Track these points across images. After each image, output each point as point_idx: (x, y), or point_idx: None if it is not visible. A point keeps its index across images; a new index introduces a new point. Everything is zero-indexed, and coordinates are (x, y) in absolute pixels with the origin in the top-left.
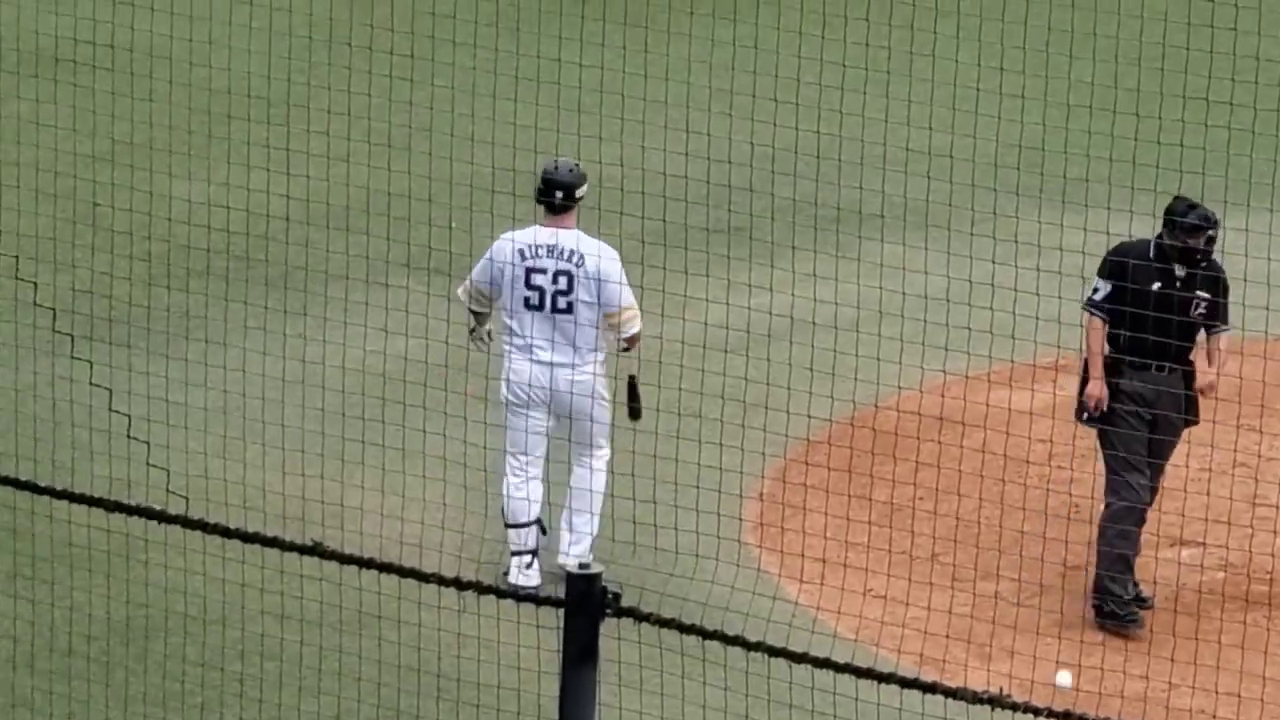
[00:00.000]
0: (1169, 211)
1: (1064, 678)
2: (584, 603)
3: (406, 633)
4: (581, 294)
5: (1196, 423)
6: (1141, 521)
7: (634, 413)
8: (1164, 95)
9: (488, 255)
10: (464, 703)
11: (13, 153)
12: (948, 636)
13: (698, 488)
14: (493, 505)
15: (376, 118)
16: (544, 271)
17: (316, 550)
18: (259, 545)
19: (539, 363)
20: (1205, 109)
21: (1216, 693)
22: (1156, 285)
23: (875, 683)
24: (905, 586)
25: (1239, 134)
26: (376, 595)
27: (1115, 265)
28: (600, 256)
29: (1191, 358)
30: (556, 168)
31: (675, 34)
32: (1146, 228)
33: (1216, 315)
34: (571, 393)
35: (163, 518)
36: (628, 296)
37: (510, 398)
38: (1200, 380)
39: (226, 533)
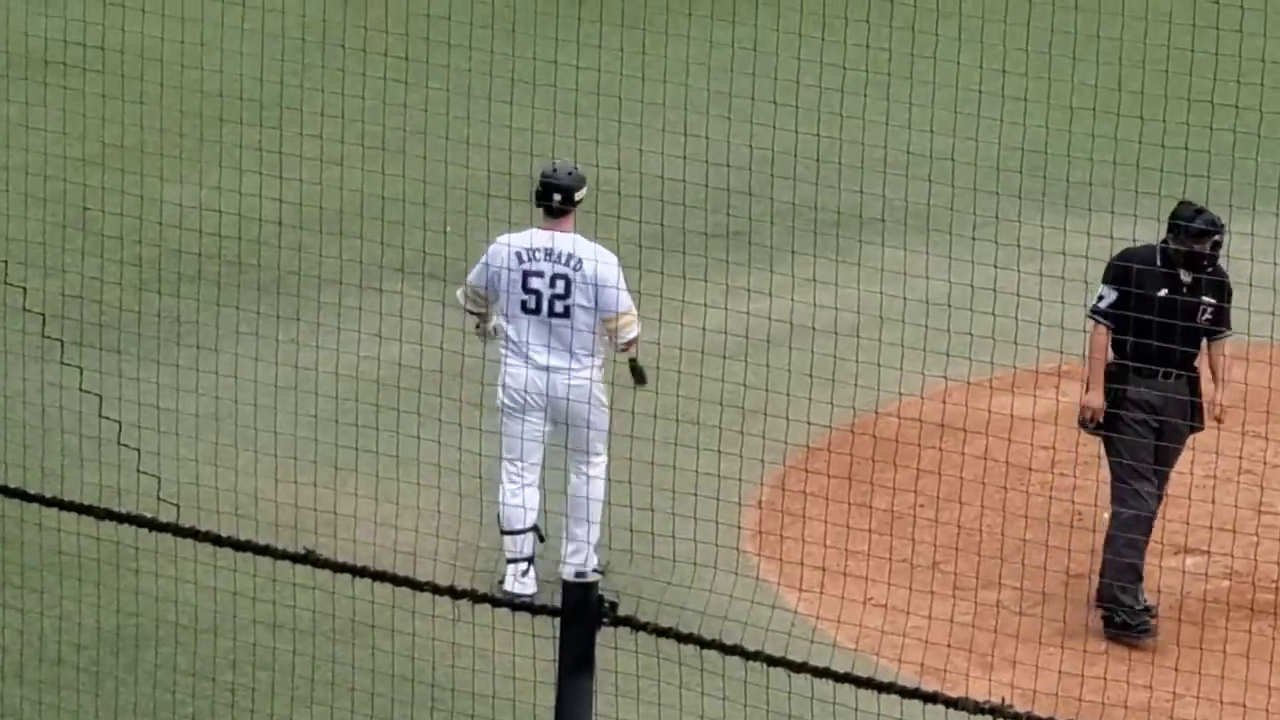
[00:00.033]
0: (1174, 216)
1: None
2: (580, 611)
3: (400, 642)
4: (579, 298)
5: (1202, 429)
6: (1149, 530)
7: (639, 377)
8: (1168, 98)
9: (483, 259)
10: (458, 713)
11: (1, 156)
12: (949, 645)
13: (696, 495)
14: (488, 513)
15: (370, 120)
16: (541, 275)
17: (309, 559)
18: (251, 553)
19: (535, 367)
20: (1210, 112)
21: (1221, 702)
22: (1163, 291)
23: (875, 692)
24: (906, 595)
25: (1244, 137)
26: (370, 604)
27: (1121, 271)
28: (598, 260)
29: (1196, 364)
30: (555, 170)
31: (673, 36)
32: (1151, 232)
33: (1222, 321)
34: (568, 398)
35: (154, 525)
36: (625, 301)
37: (506, 402)
38: (1213, 410)
39: (218, 540)
